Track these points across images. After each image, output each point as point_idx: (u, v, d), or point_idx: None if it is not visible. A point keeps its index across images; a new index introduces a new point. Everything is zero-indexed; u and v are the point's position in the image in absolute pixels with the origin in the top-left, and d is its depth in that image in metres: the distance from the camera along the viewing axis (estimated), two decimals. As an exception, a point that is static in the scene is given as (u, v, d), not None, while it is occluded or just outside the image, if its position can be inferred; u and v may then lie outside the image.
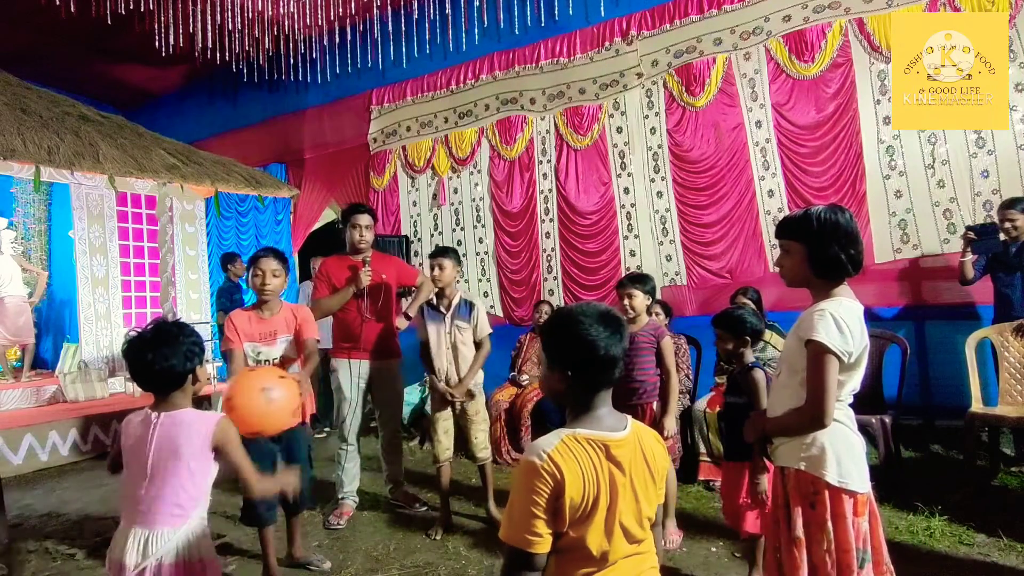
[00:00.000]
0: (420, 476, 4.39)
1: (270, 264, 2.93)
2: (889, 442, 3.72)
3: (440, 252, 3.41)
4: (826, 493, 1.70)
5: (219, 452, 1.75)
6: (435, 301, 3.47)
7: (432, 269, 3.40)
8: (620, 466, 1.26)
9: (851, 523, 1.69)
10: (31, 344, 6.90)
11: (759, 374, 2.44)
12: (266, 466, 2.81)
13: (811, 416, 1.68)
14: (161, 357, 1.70)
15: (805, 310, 1.78)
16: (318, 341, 3.11)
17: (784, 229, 1.84)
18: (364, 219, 3.65)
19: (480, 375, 3.53)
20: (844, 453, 1.72)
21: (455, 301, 3.43)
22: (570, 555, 1.26)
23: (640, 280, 3.12)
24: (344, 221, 3.73)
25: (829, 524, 1.70)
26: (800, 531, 1.74)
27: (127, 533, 1.68)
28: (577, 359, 1.29)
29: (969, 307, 4.32)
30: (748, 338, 2.55)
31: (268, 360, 2.93)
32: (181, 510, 1.69)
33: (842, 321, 1.67)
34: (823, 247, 1.73)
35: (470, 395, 3.44)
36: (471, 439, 3.47)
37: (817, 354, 1.66)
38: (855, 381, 1.77)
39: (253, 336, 2.92)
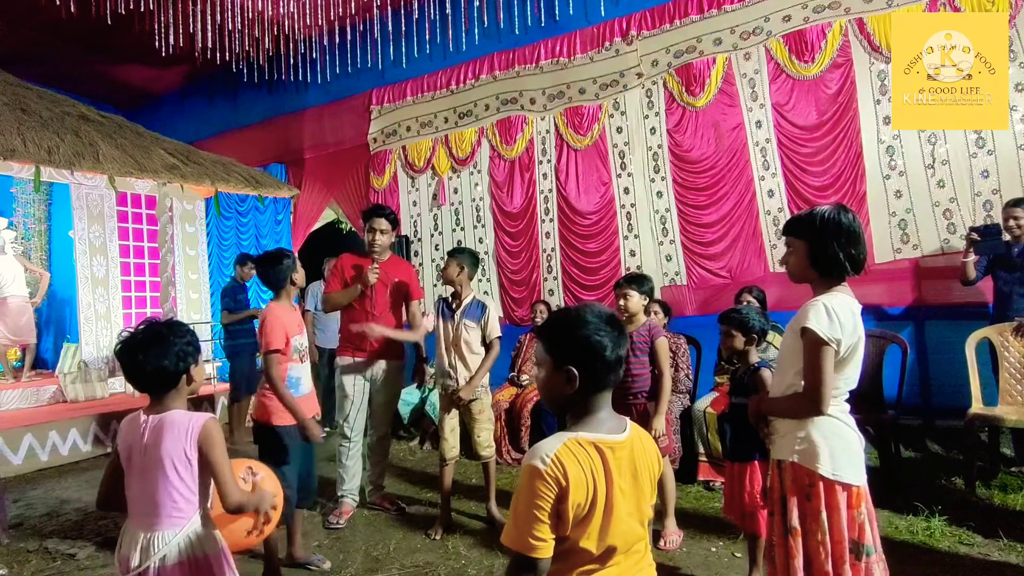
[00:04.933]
0: (420, 476, 4.39)
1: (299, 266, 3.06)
2: (889, 442, 3.73)
3: (451, 252, 3.54)
4: (820, 485, 1.77)
5: (202, 453, 1.68)
6: (450, 299, 3.54)
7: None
8: (621, 468, 1.26)
9: (844, 515, 1.75)
10: (32, 344, 6.90)
11: (767, 373, 2.46)
12: (291, 465, 2.86)
13: (809, 400, 1.76)
14: (153, 358, 1.67)
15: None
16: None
17: (790, 227, 1.94)
18: (381, 223, 3.68)
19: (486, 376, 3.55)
20: (838, 447, 1.78)
21: (466, 301, 3.48)
22: (572, 557, 1.25)
23: (637, 281, 3.11)
24: (364, 221, 3.77)
25: (824, 515, 1.76)
26: (796, 521, 1.80)
27: (130, 534, 1.68)
28: (586, 360, 1.27)
29: (969, 307, 4.31)
30: (755, 336, 2.58)
31: (304, 350, 3.01)
32: (179, 512, 1.66)
33: (833, 311, 1.75)
34: (824, 245, 1.81)
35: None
36: (474, 437, 3.49)
37: (812, 343, 1.74)
38: (848, 376, 1.82)
39: (296, 329, 2.95)
